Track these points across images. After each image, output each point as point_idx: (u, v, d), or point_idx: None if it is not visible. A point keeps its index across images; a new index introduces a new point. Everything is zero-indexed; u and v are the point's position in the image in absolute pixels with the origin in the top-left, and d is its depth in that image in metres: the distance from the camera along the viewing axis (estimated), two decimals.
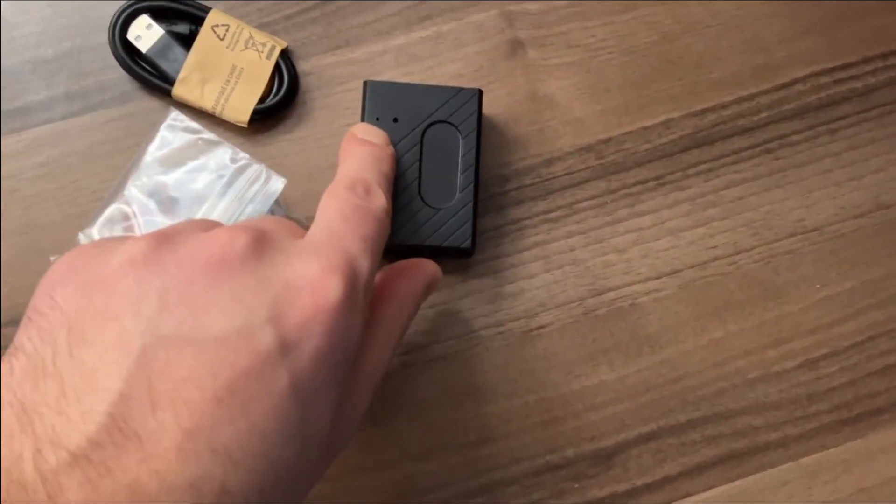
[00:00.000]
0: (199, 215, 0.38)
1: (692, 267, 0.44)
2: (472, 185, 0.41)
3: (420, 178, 0.41)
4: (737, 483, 0.43)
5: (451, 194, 0.41)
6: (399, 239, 0.41)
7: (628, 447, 0.43)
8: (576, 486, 0.42)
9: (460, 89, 0.42)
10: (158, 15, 0.43)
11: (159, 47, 0.43)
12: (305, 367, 0.27)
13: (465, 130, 0.42)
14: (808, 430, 0.44)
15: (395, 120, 0.41)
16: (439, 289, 0.43)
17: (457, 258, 0.43)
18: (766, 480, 0.43)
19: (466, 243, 0.41)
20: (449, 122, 0.42)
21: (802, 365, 0.44)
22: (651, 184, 0.45)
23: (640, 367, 0.43)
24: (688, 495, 0.43)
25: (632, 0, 0.46)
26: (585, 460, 0.43)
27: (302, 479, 0.28)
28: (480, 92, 0.42)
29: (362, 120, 0.42)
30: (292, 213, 0.43)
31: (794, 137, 0.46)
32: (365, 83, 0.42)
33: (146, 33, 0.43)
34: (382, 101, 0.41)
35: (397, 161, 0.41)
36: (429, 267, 0.37)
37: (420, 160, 0.41)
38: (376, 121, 0.41)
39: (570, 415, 0.43)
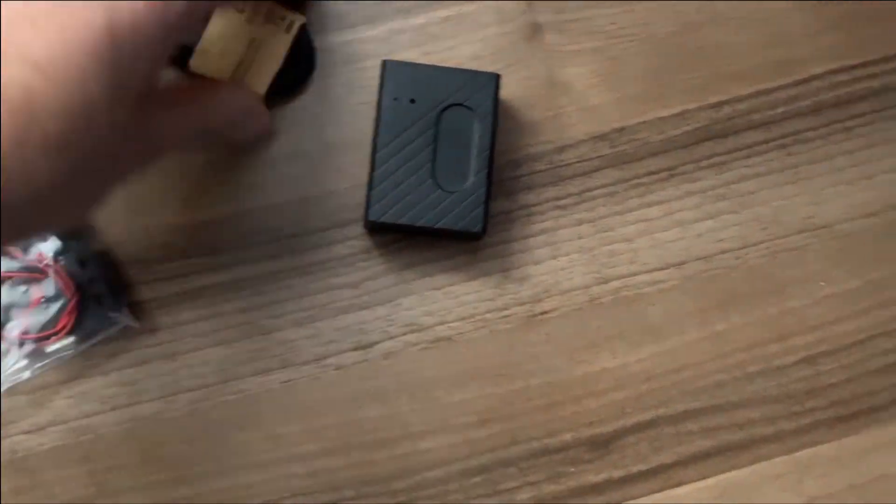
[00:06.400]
0: None
1: (699, 259, 0.45)
2: (485, 169, 0.41)
3: (434, 160, 0.41)
4: (730, 474, 0.44)
5: (464, 177, 0.41)
6: (410, 220, 0.41)
7: (626, 434, 0.43)
8: (572, 470, 0.43)
9: (478, 73, 0.42)
10: None
11: None
12: (125, 21, 0.28)
13: (482, 114, 0.42)
14: (804, 426, 0.44)
15: (413, 101, 0.41)
16: (446, 270, 0.44)
17: (466, 241, 0.43)
18: (760, 473, 0.44)
19: (477, 227, 0.41)
20: (465, 106, 0.42)
21: (803, 360, 0.45)
22: (663, 174, 0.45)
23: (642, 357, 0.44)
24: (681, 484, 0.43)
25: None
26: (583, 445, 0.43)
27: (106, 145, 0.30)
28: (498, 76, 0.42)
29: (379, 101, 0.41)
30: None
31: (809, 134, 0.46)
32: (383, 63, 0.42)
33: None
34: (400, 82, 0.41)
35: (412, 142, 0.41)
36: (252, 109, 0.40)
37: (435, 142, 0.41)
38: (393, 101, 0.41)
39: (570, 400, 0.44)
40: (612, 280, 0.44)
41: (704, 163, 0.45)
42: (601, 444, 0.43)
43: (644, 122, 0.45)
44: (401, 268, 0.44)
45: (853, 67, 0.46)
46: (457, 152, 0.42)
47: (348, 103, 0.44)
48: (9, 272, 0.40)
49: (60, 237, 0.41)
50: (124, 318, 0.41)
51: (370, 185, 0.41)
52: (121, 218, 0.42)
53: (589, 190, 0.45)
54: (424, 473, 0.43)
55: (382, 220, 0.41)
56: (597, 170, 0.45)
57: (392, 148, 0.41)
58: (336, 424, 0.43)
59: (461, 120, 0.42)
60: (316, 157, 0.44)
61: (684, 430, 0.44)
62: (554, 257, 0.44)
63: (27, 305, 0.40)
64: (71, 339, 0.41)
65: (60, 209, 0.30)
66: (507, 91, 0.44)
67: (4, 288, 0.40)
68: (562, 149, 0.45)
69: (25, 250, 0.41)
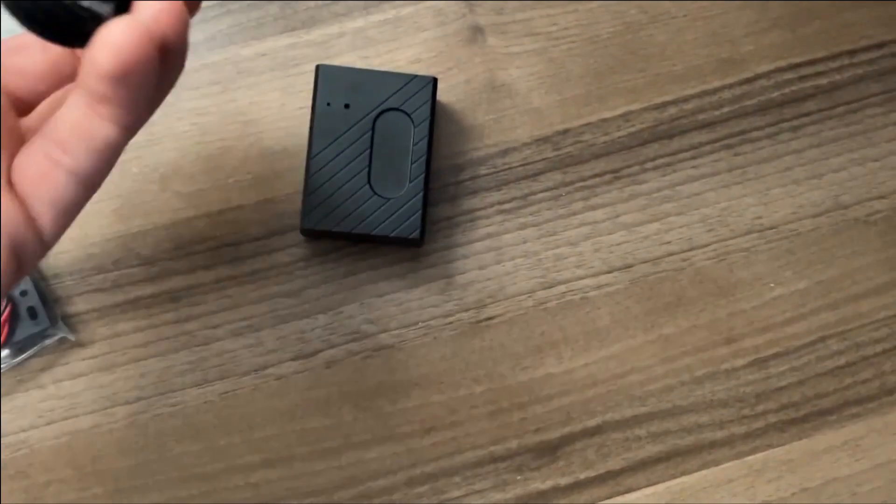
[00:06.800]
0: None
1: (645, 262, 0.44)
2: (422, 175, 0.41)
3: (370, 166, 0.41)
4: (680, 480, 0.43)
5: (401, 184, 0.41)
6: (345, 227, 0.40)
7: (573, 440, 0.43)
8: (518, 477, 0.42)
9: (414, 77, 0.41)
10: None
11: None
12: None
13: (418, 119, 0.41)
14: (755, 429, 0.44)
15: (347, 106, 0.41)
16: (389, 278, 0.43)
17: (408, 247, 0.43)
18: (710, 478, 0.43)
19: (415, 234, 0.41)
20: (402, 111, 0.41)
21: (752, 364, 0.44)
22: (607, 177, 0.44)
23: (588, 361, 0.43)
24: (630, 490, 0.43)
25: None
26: (529, 452, 0.43)
27: None
28: (435, 80, 0.41)
29: (313, 106, 0.41)
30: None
31: (756, 134, 0.45)
32: (317, 67, 0.41)
33: None
34: (335, 87, 0.41)
35: (347, 147, 0.41)
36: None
37: (371, 148, 0.41)
38: (327, 106, 0.41)
39: (515, 406, 0.43)
40: (557, 284, 0.44)
41: (649, 164, 0.45)
42: (548, 451, 0.43)
43: (588, 124, 0.45)
44: (342, 275, 0.43)
45: (799, 65, 0.46)
46: (393, 158, 0.41)
47: (286, 109, 0.44)
48: None
49: None
50: (59, 331, 0.41)
51: (304, 191, 0.41)
52: None
53: (533, 193, 0.44)
54: (368, 483, 0.42)
55: (317, 227, 0.40)
56: (541, 173, 0.44)
57: (326, 154, 0.41)
58: (278, 435, 0.42)
59: (397, 125, 0.41)
60: (254, 163, 0.43)
61: (632, 435, 0.43)
62: (498, 262, 0.44)
63: None
64: (5, 352, 0.41)
65: None
66: (449, 94, 0.44)
67: None
68: (505, 152, 0.44)
69: None
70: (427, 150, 0.41)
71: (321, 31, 0.44)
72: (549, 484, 0.42)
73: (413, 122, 0.41)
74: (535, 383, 0.43)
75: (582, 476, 0.43)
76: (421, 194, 0.41)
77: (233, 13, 0.44)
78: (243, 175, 0.43)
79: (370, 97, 0.41)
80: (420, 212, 0.41)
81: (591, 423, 0.43)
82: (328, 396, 0.42)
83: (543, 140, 0.44)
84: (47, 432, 0.41)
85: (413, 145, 0.41)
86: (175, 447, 0.41)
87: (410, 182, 0.41)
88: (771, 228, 0.45)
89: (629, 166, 0.45)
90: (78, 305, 0.42)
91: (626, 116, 0.45)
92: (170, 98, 0.43)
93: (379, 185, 0.41)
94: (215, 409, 0.42)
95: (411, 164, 0.41)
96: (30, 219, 0.27)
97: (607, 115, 0.45)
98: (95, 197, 0.42)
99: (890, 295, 0.44)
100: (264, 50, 0.44)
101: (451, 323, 0.43)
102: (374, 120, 0.41)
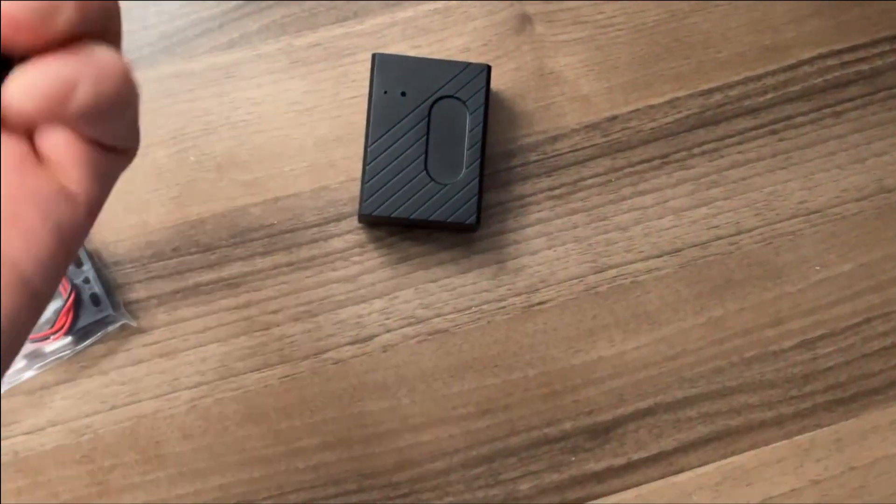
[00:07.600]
0: None
1: (694, 246, 0.45)
2: (478, 161, 0.41)
3: (427, 152, 0.41)
4: (731, 459, 0.44)
5: (457, 170, 0.42)
6: (403, 213, 0.41)
7: (625, 422, 0.44)
8: (573, 458, 0.43)
9: (468, 64, 0.42)
10: None
11: None
12: None
13: (473, 106, 0.42)
14: (803, 409, 0.44)
15: (403, 94, 0.42)
16: (442, 263, 0.44)
17: (461, 233, 0.44)
18: (760, 457, 0.44)
19: (471, 219, 0.41)
20: (457, 98, 0.42)
21: (800, 345, 0.45)
22: (656, 162, 0.45)
23: (639, 344, 0.44)
24: (682, 470, 0.43)
25: None
26: (583, 434, 0.43)
27: None
28: (489, 68, 0.42)
29: (370, 95, 0.42)
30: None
31: (800, 119, 0.46)
32: (373, 56, 0.42)
33: None
34: (391, 75, 0.42)
35: (404, 135, 0.41)
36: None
37: (427, 135, 0.41)
38: (384, 94, 0.41)
39: (568, 389, 0.44)
40: (607, 269, 0.44)
41: (696, 150, 0.45)
42: (601, 433, 0.43)
43: (635, 111, 0.45)
44: (397, 261, 0.44)
45: (841, 52, 0.46)
46: (449, 144, 0.42)
47: (339, 97, 0.44)
48: None
49: None
50: (121, 317, 0.42)
51: (363, 178, 0.41)
52: (115, 217, 0.43)
53: (583, 179, 0.45)
54: (426, 465, 0.43)
55: (376, 213, 0.41)
56: (590, 159, 0.45)
57: (384, 141, 0.41)
58: (336, 418, 0.43)
59: (453, 112, 0.42)
60: (309, 152, 0.44)
61: (683, 416, 0.44)
62: (549, 247, 0.44)
63: None
64: (69, 338, 0.41)
65: None
66: (498, 82, 0.45)
67: None
68: (554, 139, 0.45)
69: None
70: (482, 137, 0.42)
71: (373, 21, 0.45)
72: (602, 465, 0.43)
73: (468, 108, 0.42)
74: (587, 366, 0.44)
75: (635, 457, 0.43)
76: (476, 180, 0.41)
77: (286, 4, 0.45)
78: (299, 163, 0.44)
79: (426, 85, 0.42)
80: (476, 197, 0.41)
81: (643, 404, 0.44)
82: (385, 380, 0.43)
83: (592, 126, 0.45)
84: (110, 417, 0.42)
85: (468, 132, 0.42)
86: (236, 431, 0.42)
87: (466, 168, 0.41)
88: (816, 212, 0.45)
89: (676, 152, 0.45)
90: (139, 292, 0.42)
91: (672, 103, 0.46)
92: (226, 88, 0.44)
93: (435, 172, 0.41)
94: (275, 394, 0.42)
95: (467, 150, 0.42)
96: None
97: (654, 101, 0.46)
98: (153, 186, 0.43)
99: None
100: (317, 40, 0.45)
101: (503, 307, 0.44)
102: (430, 107, 0.42)
